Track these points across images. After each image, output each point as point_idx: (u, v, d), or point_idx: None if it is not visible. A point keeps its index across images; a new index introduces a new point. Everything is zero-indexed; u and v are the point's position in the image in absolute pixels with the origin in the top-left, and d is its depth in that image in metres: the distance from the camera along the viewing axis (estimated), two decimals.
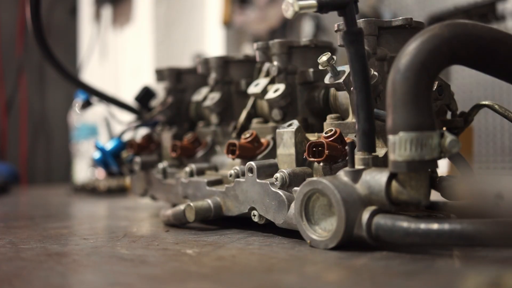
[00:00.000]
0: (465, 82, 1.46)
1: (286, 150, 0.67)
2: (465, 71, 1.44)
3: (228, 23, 2.10)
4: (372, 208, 0.52)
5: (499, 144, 1.38)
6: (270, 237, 0.64)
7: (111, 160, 1.01)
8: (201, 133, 0.89)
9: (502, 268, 0.47)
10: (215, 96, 0.86)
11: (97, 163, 1.03)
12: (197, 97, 0.91)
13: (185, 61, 2.08)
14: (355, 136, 0.59)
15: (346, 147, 0.59)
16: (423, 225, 0.48)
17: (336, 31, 0.65)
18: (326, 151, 0.59)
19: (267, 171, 0.66)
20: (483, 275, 0.45)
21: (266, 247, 0.59)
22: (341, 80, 0.63)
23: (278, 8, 1.89)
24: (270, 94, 0.74)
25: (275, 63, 0.76)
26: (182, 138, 0.90)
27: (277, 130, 0.68)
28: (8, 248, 0.59)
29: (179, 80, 0.99)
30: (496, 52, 0.54)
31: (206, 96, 0.89)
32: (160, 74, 1.00)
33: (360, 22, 0.64)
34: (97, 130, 1.81)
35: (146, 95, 1.07)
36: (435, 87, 0.64)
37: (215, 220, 0.72)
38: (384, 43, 0.66)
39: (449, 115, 0.69)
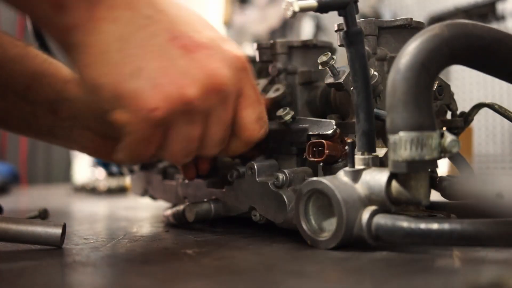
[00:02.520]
0: (465, 82, 1.46)
1: None
2: (465, 71, 1.44)
3: (228, 23, 2.10)
4: (372, 208, 0.52)
5: (499, 144, 1.39)
6: (270, 237, 0.64)
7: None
8: None
9: (502, 268, 0.47)
10: None
11: (97, 163, 1.03)
12: None
13: None
14: (355, 136, 0.59)
15: (346, 147, 0.59)
16: (423, 225, 0.48)
17: (336, 31, 0.65)
18: (326, 151, 0.59)
19: (267, 171, 0.66)
20: (483, 275, 0.45)
21: (266, 247, 0.59)
22: (341, 80, 0.63)
23: (278, 8, 1.90)
24: (270, 94, 0.74)
25: (275, 63, 0.76)
26: None
27: None
28: (8, 248, 0.59)
29: None
30: (496, 52, 0.54)
31: None
32: None
33: (360, 22, 0.64)
34: None
35: None
36: (435, 87, 0.64)
37: (216, 220, 0.72)
38: (384, 43, 0.66)
39: (449, 115, 0.69)
